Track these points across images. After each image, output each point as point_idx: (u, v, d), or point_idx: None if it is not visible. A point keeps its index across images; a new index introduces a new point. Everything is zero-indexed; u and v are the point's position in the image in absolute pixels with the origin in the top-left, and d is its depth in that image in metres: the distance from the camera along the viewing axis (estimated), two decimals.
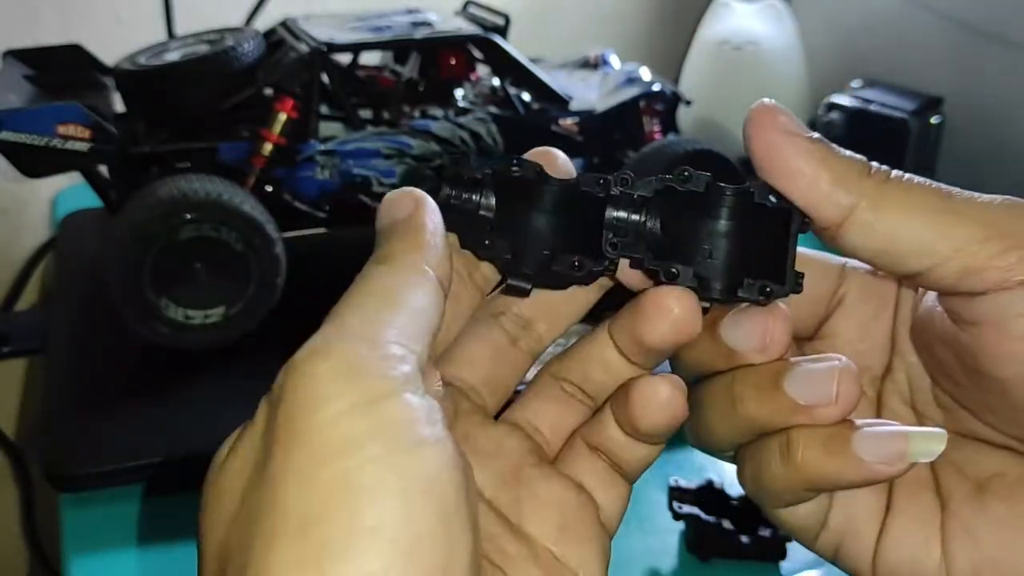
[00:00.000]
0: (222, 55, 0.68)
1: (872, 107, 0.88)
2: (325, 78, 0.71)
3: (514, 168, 0.28)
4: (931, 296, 0.28)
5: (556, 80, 0.78)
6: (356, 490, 0.20)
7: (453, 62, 0.76)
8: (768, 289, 0.26)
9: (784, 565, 0.55)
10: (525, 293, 0.28)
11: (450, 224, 0.27)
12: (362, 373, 0.21)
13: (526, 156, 0.29)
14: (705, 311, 0.27)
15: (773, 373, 0.26)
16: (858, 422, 0.26)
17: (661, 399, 0.26)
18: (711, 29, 1.02)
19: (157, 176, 0.66)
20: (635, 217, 0.27)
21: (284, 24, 0.76)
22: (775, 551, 0.54)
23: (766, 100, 0.26)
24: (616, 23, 1.17)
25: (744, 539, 0.54)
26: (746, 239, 0.27)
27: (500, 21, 0.78)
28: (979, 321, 0.25)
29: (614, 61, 0.86)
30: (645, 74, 0.82)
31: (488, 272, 0.29)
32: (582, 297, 0.29)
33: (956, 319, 0.26)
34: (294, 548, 0.20)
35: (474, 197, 0.28)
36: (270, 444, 0.21)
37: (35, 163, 0.63)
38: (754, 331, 0.26)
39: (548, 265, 0.27)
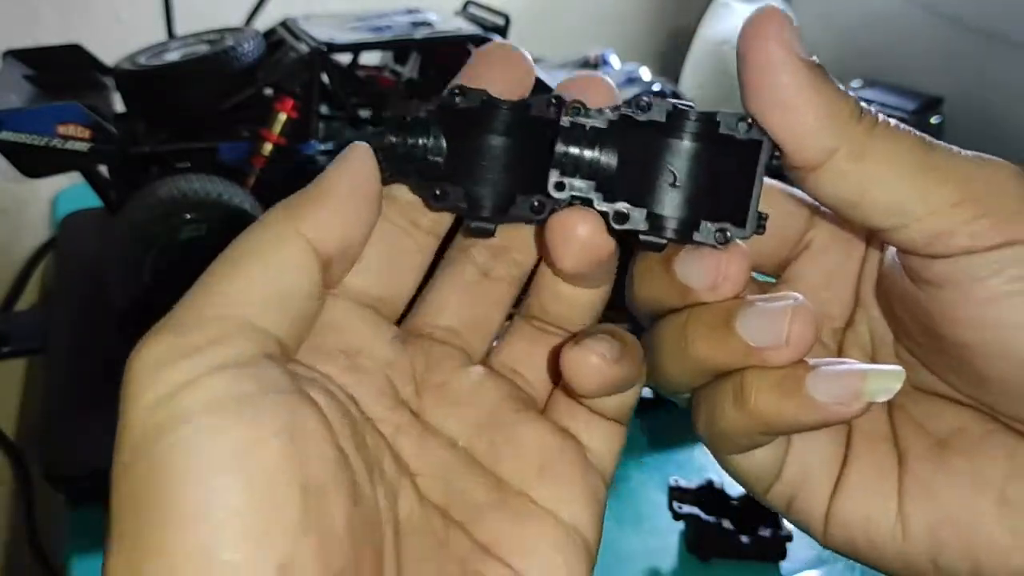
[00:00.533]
0: (222, 55, 0.68)
1: (872, 107, 0.87)
2: (325, 78, 0.71)
3: (457, 98, 0.26)
4: (892, 252, 0.27)
5: (556, 80, 0.78)
6: (163, 483, 0.20)
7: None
8: (727, 233, 0.25)
9: (784, 565, 0.55)
10: (489, 234, 0.26)
11: (398, 173, 0.26)
12: (164, 363, 0.21)
13: (566, 82, 0.27)
14: (662, 247, 0.25)
15: (725, 312, 0.25)
16: (812, 361, 0.25)
17: (591, 363, 0.25)
18: (711, 29, 1.02)
19: (157, 176, 0.66)
20: (587, 153, 0.25)
21: (284, 24, 0.76)
22: (775, 551, 0.54)
23: (774, 4, 0.24)
24: (616, 23, 1.17)
25: (744, 539, 0.54)
26: (708, 175, 0.25)
27: (500, 21, 0.78)
28: (940, 283, 0.24)
29: (614, 61, 0.86)
30: (645, 74, 0.82)
31: (438, 215, 0.27)
32: None
33: (916, 278, 0.25)
34: (122, 555, 0.20)
35: (420, 141, 0.26)
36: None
37: (35, 163, 0.63)
38: (707, 268, 0.25)
39: (507, 207, 0.26)
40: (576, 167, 0.25)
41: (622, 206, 0.25)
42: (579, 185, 0.25)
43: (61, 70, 0.73)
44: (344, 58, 0.74)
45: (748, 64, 0.24)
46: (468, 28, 0.76)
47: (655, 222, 0.25)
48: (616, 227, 0.25)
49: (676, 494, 0.56)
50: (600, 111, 0.25)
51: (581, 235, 0.24)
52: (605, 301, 0.28)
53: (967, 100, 0.89)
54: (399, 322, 0.28)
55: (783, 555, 0.54)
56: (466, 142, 0.26)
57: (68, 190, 0.95)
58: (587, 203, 0.25)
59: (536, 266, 0.28)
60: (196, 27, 0.76)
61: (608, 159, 0.25)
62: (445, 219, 0.27)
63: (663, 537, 0.57)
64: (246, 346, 0.21)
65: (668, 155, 0.25)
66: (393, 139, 0.26)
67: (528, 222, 0.26)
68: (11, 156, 0.62)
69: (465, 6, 0.83)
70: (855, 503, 0.27)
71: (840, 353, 0.29)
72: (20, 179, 0.65)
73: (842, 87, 0.24)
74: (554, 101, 0.25)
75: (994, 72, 0.88)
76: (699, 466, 0.61)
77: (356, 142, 0.25)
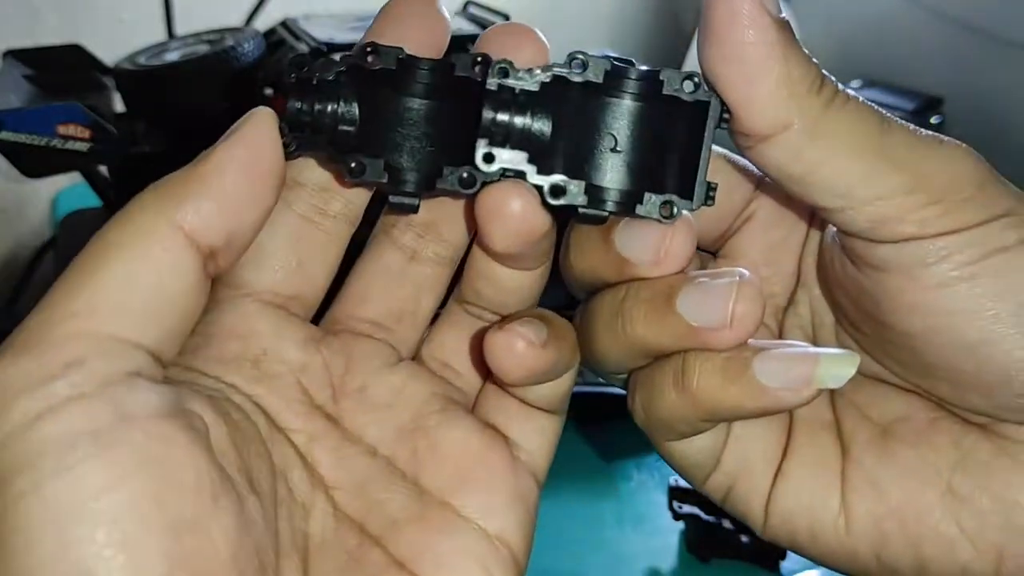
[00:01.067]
0: (222, 55, 0.68)
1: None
2: None
3: (370, 57, 0.23)
4: (832, 231, 0.25)
5: None
6: (11, 535, 0.18)
7: None
8: (673, 208, 0.23)
9: (784, 565, 0.55)
10: (413, 210, 0.24)
11: (305, 145, 0.23)
12: (12, 392, 0.18)
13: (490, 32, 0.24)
14: (603, 220, 0.24)
15: (666, 289, 0.23)
16: (758, 344, 0.23)
17: (517, 349, 0.23)
18: None
19: (157, 176, 0.66)
20: (518, 119, 0.23)
21: (284, 24, 0.76)
22: (775, 551, 0.54)
23: None
24: (616, 23, 1.17)
25: (744, 539, 0.54)
26: (651, 141, 0.23)
27: (500, 21, 0.78)
28: (884, 268, 0.23)
29: None
30: None
31: (352, 196, 0.25)
32: None
33: (858, 262, 0.24)
34: None
35: (330, 107, 0.23)
36: None
37: (35, 163, 0.63)
38: (650, 242, 0.24)
39: (434, 181, 0.23)
40: (506, 135, 0.23)
41: (558, 178, 0.23)
42: (510, 156, 0.23)
43: (61, 70, 0.72)
44: None
45: (712, 11, 0.22)
46: (468, 28, 0.76)
47: (595, 194, 0.23)
48: (552, 202, 0.23)
49: (676, 494, 0.56)
50: (530, 71, 0.23)
51: (514, 211, 0.23)
52: (543, 284, 0.26)
53: (967, 100, 0.89)
54: (320, 315, 0.26)
55: (783, 555, 0.54)
56: (382, 107, 0.23)
57: (68, 190, 0.95)
58: (520, 176, 0.23)
59: (470, 245, 0.26)
60: (196, 27, 0.76)
61: (541, 125, 0.23)
62: (359, 202, 0.25)
63: (663, 537, 0.56)
64: (106, 367, 0.19)
65: (607, 119, 0.23)
66: (299, 105, 0.23)
67: (457, 197, 0.24)
68: (11, 156, 0.62)
69: (465, 6, 0.83)
70: (796, 494, 0.26)
71: (781, 334, 0.28)
72: (20, 179, 0.65)
73: (805, 51, 0.23)
74: (479, 60, 0.23)
75: (994, 72, 0.88)
76: None
77: (257, 108, 0.22)
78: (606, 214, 0.23)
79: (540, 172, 0.23)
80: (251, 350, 0.24)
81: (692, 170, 0.23)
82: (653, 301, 0.24)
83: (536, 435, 0.26)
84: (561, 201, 0.23)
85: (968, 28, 0.90)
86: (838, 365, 0.23)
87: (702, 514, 0.55)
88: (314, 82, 0.23)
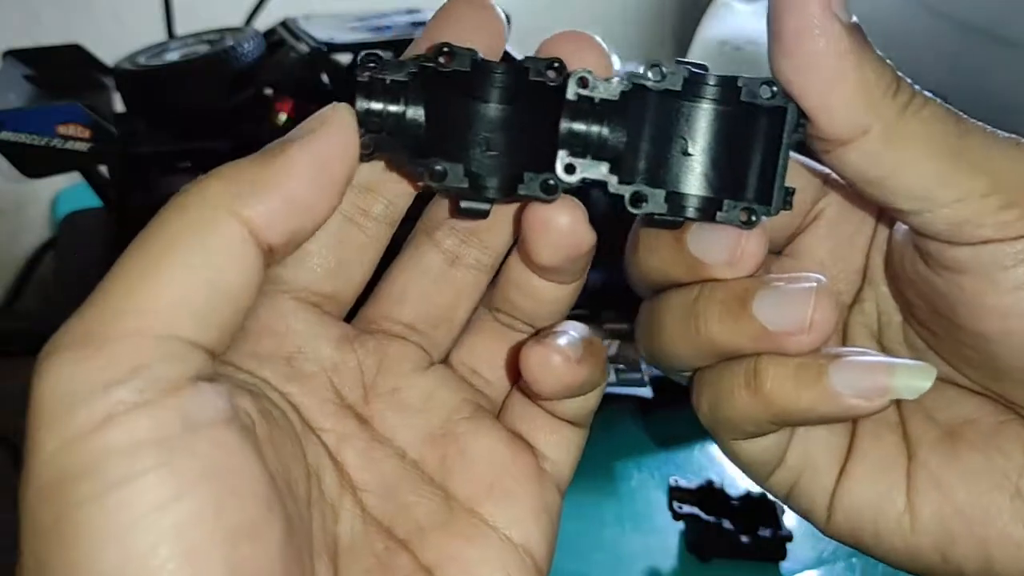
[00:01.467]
0: (222, 55, 0.68)
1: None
2: (325, 78, 0.71)
3: (442, 59, 0.22)
4: (902, 229, 0.25)
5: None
6: (72, 544, 0.17)
7: None
8: (753, 215, 0.23)
9: (784, 565, 0.55)
10: (484, 215, 0.23)
11: (383, 146, 0.22)
12: (73, 396, 0.18)
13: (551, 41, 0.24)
14: (680, 225, 0.24)
15: (741, 292, 0.23)
16: (834, 350, 0.23)
17: (553, 364, 0.23)
18: (711, 29, 1.02)
19: (157, 176, 0.66)
20: (597, 129, 0.23)
21: (284, 24, 0.76)
22: (775, 551, 0.54)
23: None
24: (616, 23, 1.17)
25: (744, 539, 0.54)
26: (729, 147, 0.23)
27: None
28: (960, 269, 0.23)
29: (614, 61, 0.86)
30: None
31: (394, 198, 0.24)
32: None
33: (933, 263, 0.24)
34: None
35: (404, 109, 0.22)
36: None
37: (35, 163, 0.63)
38: (725, 243, 0.24)
39: (514, 187, 0.23)
40: (585, 145, 0.23)
41: (640, 188, 0.23)
42: (590, 166, 0.23)
43: (61, 70, 0.72)
44: (344, 58, 0.74)
45: (782, 24, 0.22)
46: None
47: (675, 202, 0.23)
48: (633, 211, 0.23)
49: (676, 494, 0.56)
50: (609, 80, 0.23)
51: (561, 226, 0.23)
52: (576, 297, 0.26)
53: (967, 100, 0.89)
54: (353, 312, 0.26)
55: (783, 555, 0.54)
56: (456, 111, 0.23)
57: (68, 190, 0.95)
58: (601, 186, 0.23)
59: (507, 253, 0.26)
60: (196, 27, 0.76)
61: (620, 134, 0.23)
62: (401, 205, 0.25)
63: (663, 537, 0.56)
64: (171, 371, 0.18)
65: (685, 126, 0.23)
66: (371, 106, 0.22)
67: (536, 202, 0.24)
68: (11, 156, 0.62)
69: None
70: (861, 493, 0.26)
71: (845, 333, 0.28)
72: (20, 179, 0.65)
73: (880, 54, 0.23)
74: (555, 65, 0.23)
75: (995, 72, 0.88)
76: (699, 466, 0.61)
77: (336, 103, 0.21)
78: (683, 220, 0.23)
79: (621, 182, 0.23)
80: (285, 347, 0.24)
81: (770, 176, 0.23)
82: (728, 303, 0.24)
83: (562, 446, 0.26)
84: (642, 210, 0.23)
85: (968, 28, 0.90)
86: (914, 377, 0.22)
87: (702, 514, 0.55)
88: (387, 82, 0.22)
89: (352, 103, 0.22)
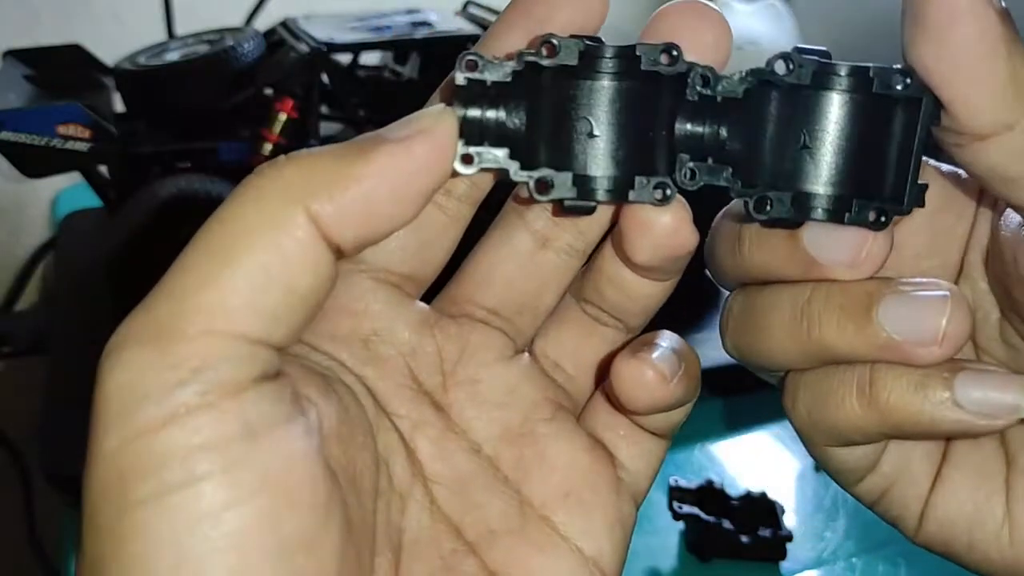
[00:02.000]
0: (222, 55, 0.68)
1: None
2: (325, 78, 0.71)
3: (545, 50, 0.20)
4: (1012, 226, 0.23)
5: None
6: (128, 542, 0.17)
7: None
8: (883, 215, 0.21)
9: (784, 565, 0.55)
10: (590, 211, 0.22)
11: (486, 159, 0.21)
12: (140, 392, 0.17)
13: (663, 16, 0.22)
14: (799, 225, 0.22)
15: (865, 297, 0.22)
16: (958, 361, 0.22)
17: (647, 380, 0.22)
18: None
19: (157, 176, 0.66)
20: (712, 129, 0.21)
21: (284, 24, 0.76)
22: (775, 551, 0.54)
23: None
24: (616, 23, 1.17)
25: (744, 539, 0.54)
26: (860, 142, 0.21)
27: None
28: None
29: None
30: None
31: (477, 179, 0.22)
32: None
33: None
34: None
35: (499, 114, 0.21)
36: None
37: (35, 163, 0.63)
38: (848, 243, 0.22)
39: (625, 190, 0.21)
40: (705, 147, 0.21)
41: (765, 192, 0.21)
42: (713, 173, 0.21)
43: (61, 70, 0.72)
44: (344, 58, 0.74)
45: (928, 5, 0.20)
46: (468, 28, 0.76)
47: (801, 203, 0.21)
48: (756, 216, 0.21)
49: (676, 494, 0.56)
50: (732, 76, 0.21)
51: (664, 226, 0.21)
52: (669, 294, 0.25)
53: None
54: (436, 289, 0.25)
55: (783, 555, 0.54)
56: (563, 109, 0.21)
57: (68, 190, 0.95)
58: (724, 191, 0.21)
59: (601, 241, 0.24)
60: (196, 27, 0.76)
61: (744, 134, 0.21)
62: (484, 185, 0.23)
63: (663, 537, 0.56)
64: (236, 374, 0.18)
65: (811, 121, 0.21)
66: (474, 113, 0.20)
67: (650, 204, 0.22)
68: (11, 156, 0.62)
69: (465, 6, 0.83)
70: (957, 502, 0.24)
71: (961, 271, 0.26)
72: (20, 179, 0.65)
73: None
74: (673, 53, 0.21)
75: None
76: (699, 466, 0.61)
77: (439, 107, 0.20)
78: (803, 221, 0.22)
79: (744, 185, 0.22)
80: (363, 329, 0.23)
81: (903, 171, 0.21)
82: (849, 308, 0.22)
83: (642, 458, 0.25)
84: (765, 215, 0.21)
85: None
86: None
87: (702, 514, 0.55)
88: (488, 85, 0.20)
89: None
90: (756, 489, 0.56)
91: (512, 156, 0.21)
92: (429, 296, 0.25)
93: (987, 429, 0.22)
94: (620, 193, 0.21)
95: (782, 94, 0.21)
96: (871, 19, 1.04)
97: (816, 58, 0.21)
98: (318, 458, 0.19)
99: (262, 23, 0.79)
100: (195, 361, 0.18)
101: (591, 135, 0.21)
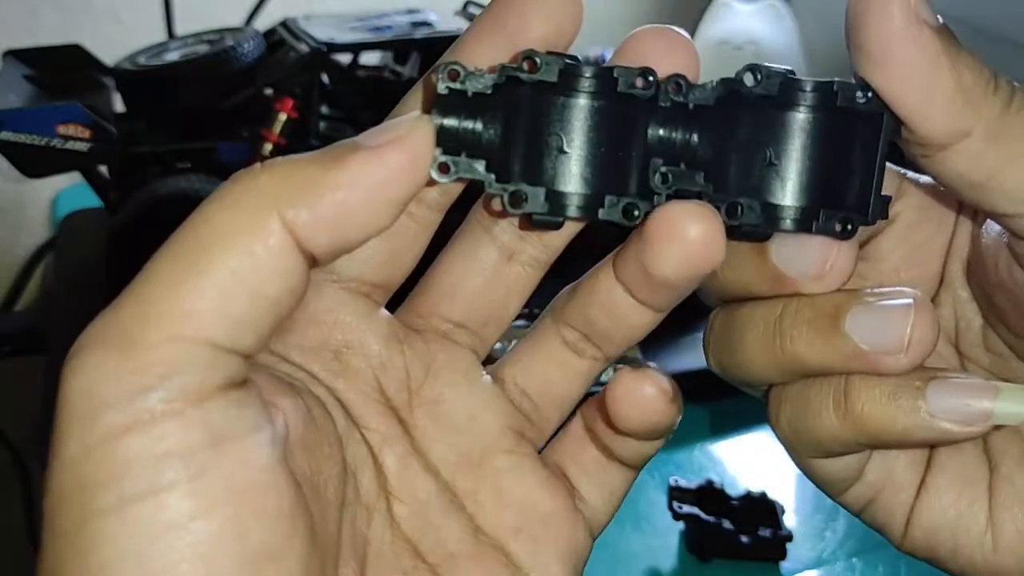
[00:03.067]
0: (222, 55, 0.68)
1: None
2: (325, 78, 0.71)
3: (527, 66, 0.21)
4: (993, 233, 0.24)
5: None
6: (94, 545, 0.17)
7: None
8: (849, 225, 0.22)
9: (784, 565, 0.55)
10: (557, 226, 0.22)
11: (463, 168, 0.21)
12: (102, 398, 0.17)
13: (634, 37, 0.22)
14: (768, 237, 0.22)
15: (832, 308, 0.22)
16: (931, 370, 0.22)
17: (647, 395, 0.22)
18: (711, 29, 1.02)
19: (157, 176, 0.66)
20: (684, 136, 0.22)
21: (284, 24, 0.76)
22: (775, 551, 0.54)
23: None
24: (616, 23, 1.17)
25: (744, 539, 0.54)
26: (825, 154, 0.22)
27: None
28: None
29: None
30: None
31: (447, 186, 0.22)
32: None
33: None
34: None
35: (477, 125, 0.21)
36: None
37: (35, 163, 0.63)
38: (812, 255, 0.22)
39: (595, 208, 0.21)
40: (677, 153, 0.22)
41: (735, 199, 0.22)
42: (686, 176, 0.22)
43: (61, 70, 0.72)
44: (344, 58, 0.74)
45: (866, 32, 0.21)
46: None
47: (770, 213, 0.22)
48: (728, 222, 0.21)
49: (676, 494, 0.56)
50: (704, 86, 0.22)
51: (692, 237, 0.21)
52: (653, 328, 0.24)
53: None
54: (400, 299, 0.25)
55: (783, 555, 0.54)
56: (539, 125, 0.21)
57: (68, 190, 0.95)
58: (697, 197, 0.22)
59: (569, 258, 0.25)
60: (196, 27, 0.76)
61: (715, 142, 0.22)
62: (453, 191, 0.23)
63: (663, 537, 0.56)
64: (202, 381, 0.18)
65: (781, 134, 0.22)
66: (453, 123, 0.20)
67: (617, 227, 0.22)
68: (11, 156, 0.62)
69: (465, 6, 0.83)
70: (940, 510, 0.24)
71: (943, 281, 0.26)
72: (20, 179, 0.65)
73: (973, 53, 0.22)
74: (648, 77, 0.21)
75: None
76: (699, 466, 0.61)
77: (415, 115, 0.20)
78: (771, 232, 0.22)
79: (716, 191, 0.22)
80: (334, 340, 0.23)
81: (867, 183, 0.22)
82: (817, 321, 0.22)
83: (605, 491, 0.25)
84: (737, 221, 0.22)
85: (968, 28, 0.90)
86: (1019, 400, 0.21)
87: (702, 514, 0.55)
88: (469, 95, 0.20)
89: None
90: (756, 489, 0.56)
91: (487, 167, 0.21)
92: (392, 304, 0.25)
93: (961, 437, 0.22)
94: (590, 210, 0.21)
95: (751, 105, 0.22)
96: None
97: (782, 69, 0.22)
98: (284, 467, 0.19)
99: (262, 23, 0.79)
100: (160, 367, 0.17)
101: (564, 151, 0.21)
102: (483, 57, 0.21)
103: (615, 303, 0.23)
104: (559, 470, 0.25)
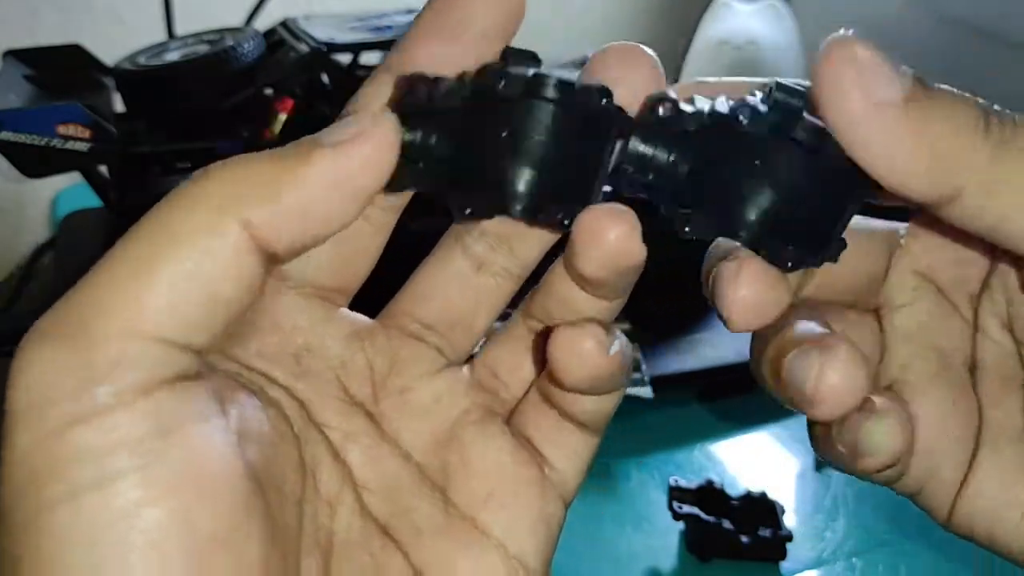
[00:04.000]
0: (222, 55, 0.68)
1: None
2: (325, 78, 0.71)
3: (502, 81, 0.21)
4: None
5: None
6: (48, 536, 0.17)
7: None
8: (794, 259, 0.22)
9: (784, 565, 0.55)
10: (489, 217, 0.23)
11: (419, 179, 0.21)
12: (53, 389, 0.17)
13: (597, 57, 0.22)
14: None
15: (778, 351, 0.23)
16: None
17: (586, 349, 0.23)
18: (711, 29, 1.02)
19: (157, 176, 0.66)
20: (663, 156, 0.22)
21: (284, 24, 0.76)
22: (775, 551, 0.54)
23: (841, 37, 0.21)
24: (616, 23, 1.17)
25: (744, 539, 0.54)
26: (795, 196, 0.22)
27: None
28: None
29: None
30: None
31: (392, 198, 0.23)
32: None
33: None
34: None
35: (439, 139, 0.21)
36: None
37: (35, 163, 0.63)
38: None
39: (535, 213, 0.22)
40: (646, 169, 0.22)
41: (690, 212, 0.22)
42: (653, 188, 0.22)
43: (61, 70, 0.72)
44: (344, 58, 0.74)
45: (830, 116, 0.21)
46: None
47: (724, 227, 0.22)
48: (680, 230, 0.22)
49: (676, 494, 0.56)
50: (692, 115, 0.22)
51: (613, 238, 0.22)
52: (615, 316, 0.25)
53: None
54: (377, 307, 0.25)
55: (783, 555, 0.54)
56: (495, 137, 0.22)
57: (68, 190, 0.95)
58: (653, 205, 0.22)
59: (547, 263, 0.25)
60: (196, 27, 0.76)
61: (682, 166, 0.22)
62: (408, 193, 0.23)
63: (663, 537, 0.56)
64: (151, 373, 0.18)
65: (756, 173, 0.22)
66: (416, 136, 0.21)
67: (552, 231, 0.24)
68: (11, 156, 0.62)
69: None
70: (983, 497, 0.25)
71: (976, 322, 0.26)
72: (20, 179, 0.65)
73: (954, 94, 0.21)
74: (604, 98, 0.22)
75: (994, 73, 0.88)
76: (699, 466, 0.61)
77: (382, 114, 0.20)
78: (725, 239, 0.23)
79: (680, 206, 0.22)
80: (293, 344, 0.23)
81: (827, 227, 0.22)
82: (774, 362, 0.23)
83: (570, 456, 0.26)
84: (688, 226, 0.22)
85: (968, 28, 0.90)
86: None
87: (702, 514, 0.55)
88: (436, 108, 0.21)
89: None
90: (756, 489, 0.56)
91: (445, 173, 0.21)
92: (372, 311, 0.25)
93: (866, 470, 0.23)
94: (529, 218, 0.22)
95: (736, 139, 0.22)
96: (871, 19, 1.04)
97: (779, 111, 0.21)
98: (236, 456, 0.19)
99: (262, 23, 0.79)
100: (111, 360, 0.17)
101: (515, 155, 0.22)
102: (429, 56, 0.21)
103: (571, 297, 0.24)
104: (526, 441, 0.25)
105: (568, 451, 0.26)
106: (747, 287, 0.22)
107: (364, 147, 0.19)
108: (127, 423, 0.18)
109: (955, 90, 0.21)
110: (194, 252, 0.18)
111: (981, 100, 0.21)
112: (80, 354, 0.17)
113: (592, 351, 0.23)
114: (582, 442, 0.26)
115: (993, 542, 0.25)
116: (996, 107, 0.21)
